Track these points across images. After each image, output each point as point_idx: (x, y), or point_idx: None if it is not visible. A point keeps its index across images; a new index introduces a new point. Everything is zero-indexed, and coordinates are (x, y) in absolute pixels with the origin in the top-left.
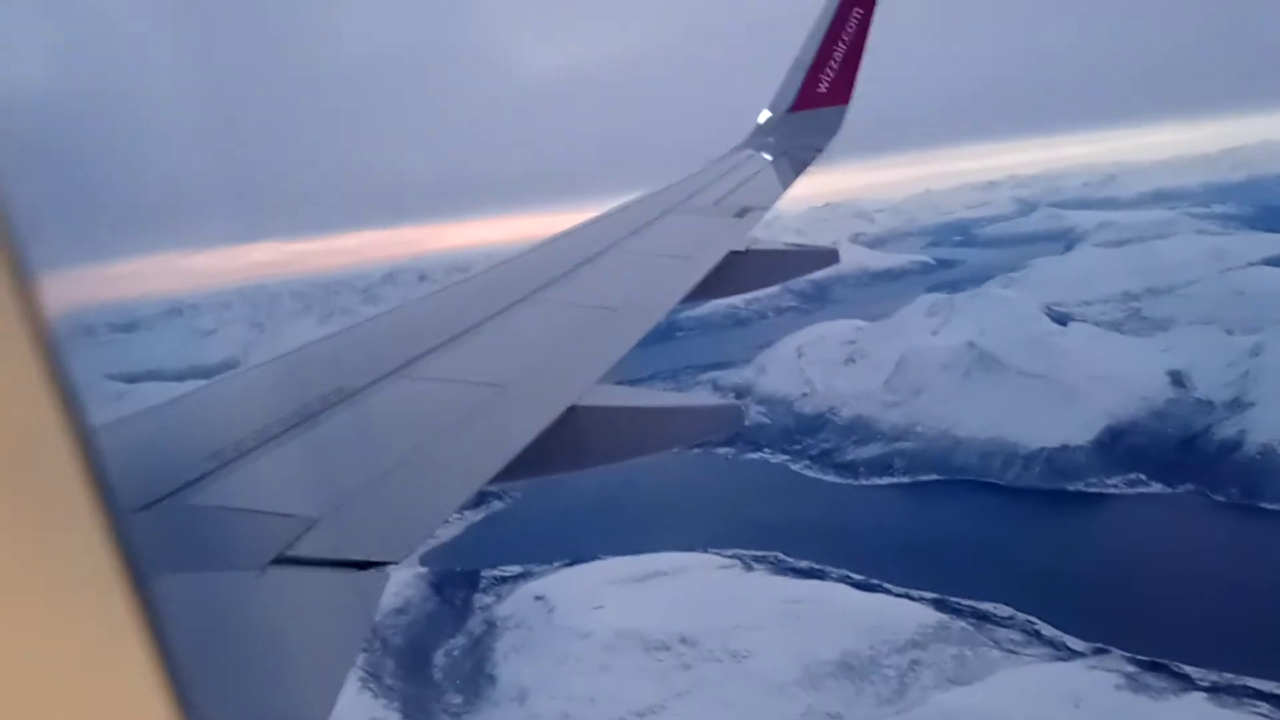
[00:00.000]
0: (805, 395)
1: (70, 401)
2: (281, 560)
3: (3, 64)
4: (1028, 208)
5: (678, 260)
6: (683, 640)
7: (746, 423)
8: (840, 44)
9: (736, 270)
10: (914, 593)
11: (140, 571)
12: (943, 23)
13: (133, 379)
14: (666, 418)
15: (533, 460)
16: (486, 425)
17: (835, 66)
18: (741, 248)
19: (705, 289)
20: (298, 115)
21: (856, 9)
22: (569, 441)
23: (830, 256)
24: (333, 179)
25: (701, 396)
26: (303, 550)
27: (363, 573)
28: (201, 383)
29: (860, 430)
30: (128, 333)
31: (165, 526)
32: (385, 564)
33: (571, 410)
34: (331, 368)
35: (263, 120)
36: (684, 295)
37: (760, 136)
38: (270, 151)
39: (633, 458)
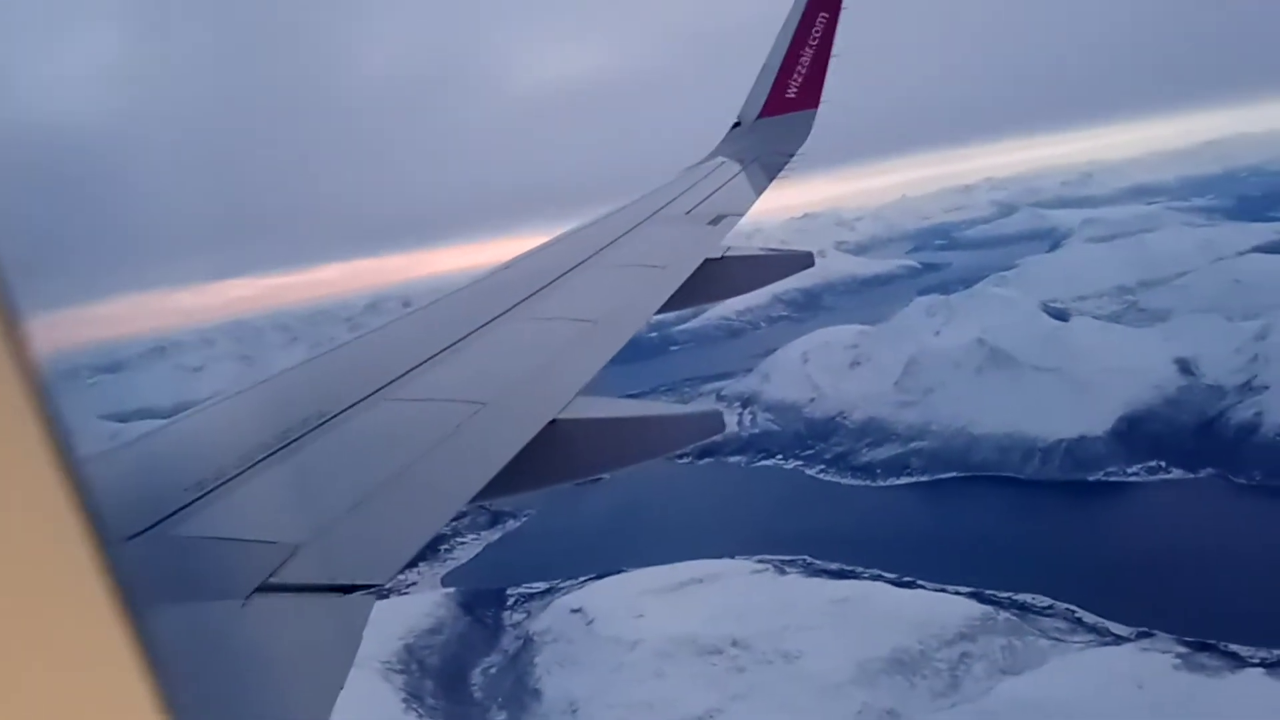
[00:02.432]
0: (813, 400)
1: (60, 438)
2: (266, 588)
3: None
4: (1008, 209)
5: (654, 270)
6: (734, 644)
7: (756, 430)
8: (807, 48)
9: (713, 277)
10: (949, 588)
11: (130, 604)
12: (904, 26)
13: (125, 418)
14: (649, 427)
15: (518, 475)
16: (468, 443)
17: (803, 71)
18: (717, 255)
19: (683, 297)
20: (274, 146)
21: (822, 13)
22: (553, 455)
23: (805, 259)
24: (310, 209)
25: (683, 405)
26: (287, 577)
27: (348, 597)
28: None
29: (873, 432)
30: (114, 373)
31: (148, 558)
32: (371, 587)
33: (553, 424)
34: (311, 392)
35: (238, 152)
36: (662, 304)
37: (732, 144)
38: (246, 184)
39: (619, 468)
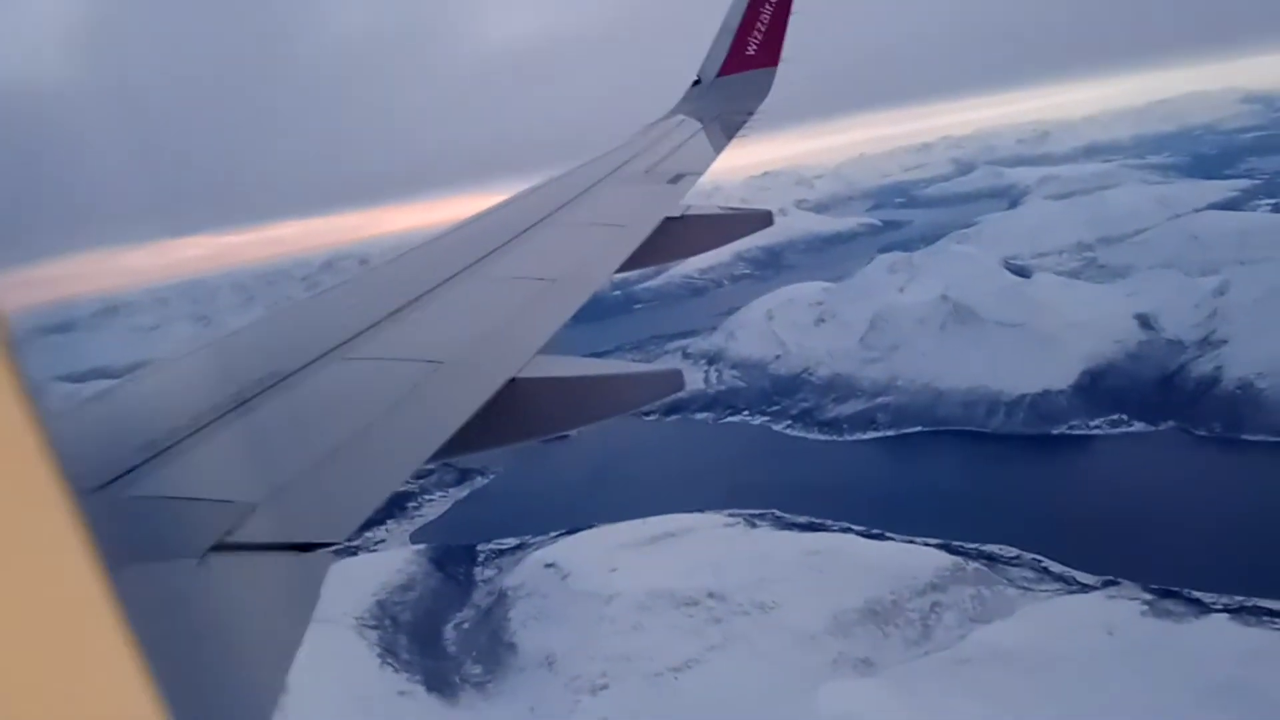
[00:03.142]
0: (779, 357)
1: (22, 398)
2: (221, 547)
3: None
4: (966, 167)
5: (613, 229)
6: (710, 595)
7: (723, 387)
8: (767, 6)
9: (673, 236)
10: (918, 540)
11: (99, 562)
12: None
13: (79, 379)
14: (608, 385)
15: (478, 434)
16: (426, 402)
17: (763, 28)
18: (677, 213)
19: (643, 256)
20: (230, 104)
21: None
22: (512, 413)
23: (765, 218)
24: (266, 167)
25: (642, 364)
26: (243, 536)
27: (305, 555)
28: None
29: (839, 388)
30: (66, 333)
31: (100, 518)
32: (328, 545)
33: (513, 382)
34: (266, 351)
35: (192, 110)
36: (622, 263)
37: (691, 102)
38: (201, 142)
39: (578, 426)
